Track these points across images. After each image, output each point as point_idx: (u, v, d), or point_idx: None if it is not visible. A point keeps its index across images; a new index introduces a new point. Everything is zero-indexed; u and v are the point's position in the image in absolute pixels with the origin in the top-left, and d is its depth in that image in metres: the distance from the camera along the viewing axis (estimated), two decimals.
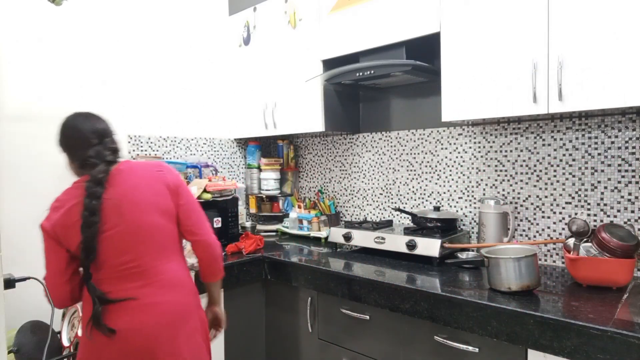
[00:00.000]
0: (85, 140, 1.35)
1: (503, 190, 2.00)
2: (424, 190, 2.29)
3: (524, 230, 1.95)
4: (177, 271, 1.39)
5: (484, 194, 2.07)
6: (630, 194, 1.68)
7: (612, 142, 1.71)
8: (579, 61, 1.46)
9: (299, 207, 2.65)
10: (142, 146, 2.45)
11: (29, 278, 1.63)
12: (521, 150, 1.94)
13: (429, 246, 1.85)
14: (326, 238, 2.45)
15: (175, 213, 1.41)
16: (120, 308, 1.29)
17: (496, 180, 2.02)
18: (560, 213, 1.84)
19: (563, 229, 1.84)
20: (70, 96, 2.18)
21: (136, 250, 1.32)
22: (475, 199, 2.10)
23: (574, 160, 1.80)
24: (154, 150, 2.50)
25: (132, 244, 1.31)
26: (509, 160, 1.98)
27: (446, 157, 2.19)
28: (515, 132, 1.96)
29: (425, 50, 2.03)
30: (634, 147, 1.66)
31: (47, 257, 1.33)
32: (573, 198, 1.81)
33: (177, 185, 1.42)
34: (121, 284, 1.30)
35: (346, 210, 2.66)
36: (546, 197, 1.88)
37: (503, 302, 1.37)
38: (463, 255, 1.90)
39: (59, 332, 1.86)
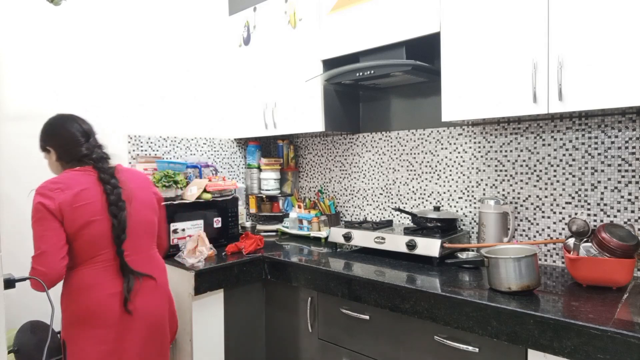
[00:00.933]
0: (76, 138, 1.52)
1: (503, 190, 2.00)
2: (424, 190, 2.29)
3: (524, 230, 1.95)
4: (160, 258, 1.69)
5: (484, 194, 2.07)
6: (630, 194, 1.68)
7: (612, 142, 1.71)
8: (579, 61, 1.46)
9: (299, 207, 2.65)
10: (142, 146, 2.45)
11: (29, 278, 1.63)
12: (521, 150, 1.94)
13: (429, 246, 1.85)
14: (326, 238, 2.45)
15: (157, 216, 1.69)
16: (140, 287, 1.53)
17: (496, 180, 2.02)
18: (560, 213, 1.84)
19: (563, 229, 1.84)
20: (70, 96, 2.18)
21: (139, 238, 1.56)
22: (475, 199, 2.10)
23: (574, 160, 1.80)
24: (154, 150, 2.50)
25: (137, 232, 1.55)
26: (509, 160, 1.98)
27: (446, 157, 2.19)
28: (515, 132, 1.96)
29: (425, 50, 2.03)
30: (634, 147, 1.66)
31: (46, 234, 1.38)
32: (573, 198, 1.81)
33: (159, 198, 1.73)
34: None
35: (346, 210, 2.66)
36: (546, 197, 1.88)
37: (503, 302, 1.37)
38: (463, 255, 1.90)
39: (59, 332, 1.86)
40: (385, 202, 2.46)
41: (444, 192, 2.21)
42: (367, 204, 2.55)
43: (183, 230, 2.18)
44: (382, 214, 2.48)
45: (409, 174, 2.34)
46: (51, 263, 1.38)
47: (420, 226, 2.02)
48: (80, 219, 1.41)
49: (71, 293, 1.46)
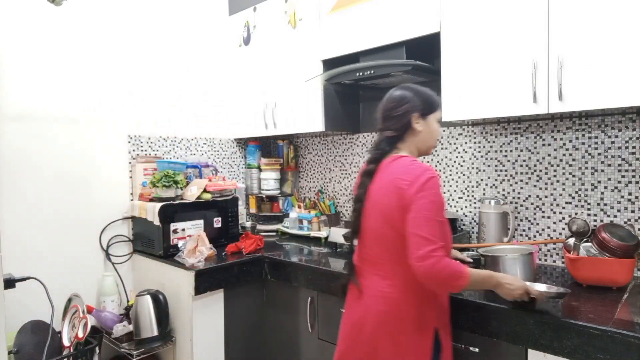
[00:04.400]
0: (377, 121, 1.44)
1: (503, 190, 2.00)
2: None
3: (524, 230, 1.94)
4: (377, 286, 1.35)
5: (484, 194, 2.07)
6: (630, 194, 1.68)
7: (612, 142, 1.71)
8: (579, 61, 1.46)
9: (299, 207, 2.65)
10: (142, 146, 2.45)
11: (29, 278, 1.63)
12: (521, 150, 1.94)
13: None
14: (326, 238, 2.45)
15: (401, 226, 1.28)
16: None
17: (496, 180, 2.02)
18: (560, 213, 1.84)
19: (563, 229, 1.84)
20: (70, 96, 2.18)
21: (367, 247, 1.40)
22: (475, 199, 2.10)
23: (574, 160, 1.80)
24: (154, 151, 2.50)
25: (366, 240, 1.40)
26: (509, 160, 1.98)
27: (446, 157, 2.19)
28: (515, 132, 1.96)
29: (425, 50, 2.03)
30: (634, 147, 1.66)
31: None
32: (573, 198, 1.81)
33: (411, 201, 1.25)
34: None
35: (346, 210, 2.66)
36: (546, 197, 1.88)
37: (503, 302, 1.37)
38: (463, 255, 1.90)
39: (59, 332, 1.86)
40: None
41: (444, 192, 2.20)
42: None
43: (183, 230, 2.18)
44: None
45: None
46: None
47: None
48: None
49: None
